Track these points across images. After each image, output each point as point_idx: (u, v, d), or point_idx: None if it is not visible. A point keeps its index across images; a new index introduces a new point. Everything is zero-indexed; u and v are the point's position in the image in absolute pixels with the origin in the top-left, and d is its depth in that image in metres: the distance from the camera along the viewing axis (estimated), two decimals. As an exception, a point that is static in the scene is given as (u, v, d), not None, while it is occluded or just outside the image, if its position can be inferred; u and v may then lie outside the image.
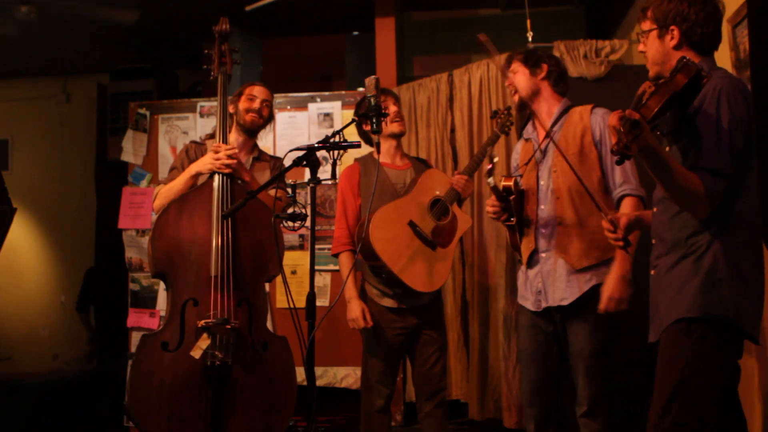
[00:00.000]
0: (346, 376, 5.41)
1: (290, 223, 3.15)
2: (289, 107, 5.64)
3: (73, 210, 8.15)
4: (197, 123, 5.75)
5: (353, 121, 3.39)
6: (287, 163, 3.37)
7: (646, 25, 2.89)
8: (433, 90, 5.53)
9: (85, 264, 7.69)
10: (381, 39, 6.05)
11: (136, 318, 5.61)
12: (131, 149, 5.79)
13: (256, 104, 4.05)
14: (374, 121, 3.12)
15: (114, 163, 7.31)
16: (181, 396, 3.43)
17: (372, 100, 3.09)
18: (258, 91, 4.08)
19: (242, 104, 4.05)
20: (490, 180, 3.53)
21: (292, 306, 3.02)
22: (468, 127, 5.34)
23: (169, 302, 3.63)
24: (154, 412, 3.42)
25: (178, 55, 7.53)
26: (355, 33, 6.63)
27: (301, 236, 5.43)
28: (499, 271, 5.11)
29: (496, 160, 3.64)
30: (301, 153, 3.11)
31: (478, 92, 5.29)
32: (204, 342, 3.44)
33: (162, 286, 5.54)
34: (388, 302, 3.99)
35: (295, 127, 5.68)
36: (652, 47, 2.87)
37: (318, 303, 5.39)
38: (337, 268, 5.20)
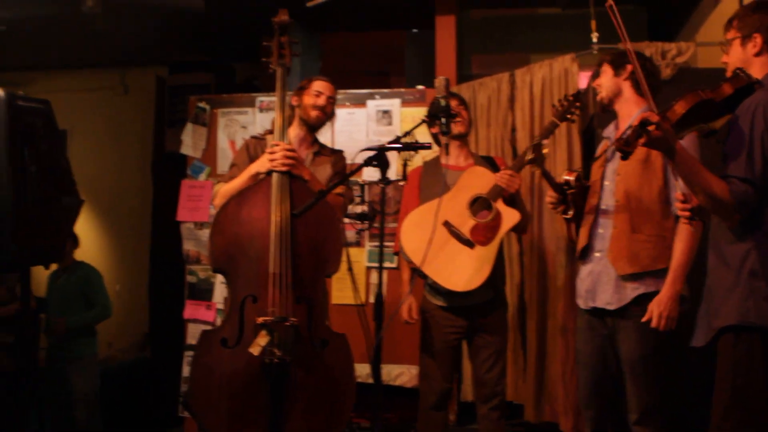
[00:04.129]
0: (400, 374, 5.40)
1: (356, 223, 3.14)
2: (348, 104, 5.63)
3: (130, 201, 8.23)
4: (256, 117, 5.77)
5: (423, 121, 3.37)
6: (351, 160, 3.37)
7: (731, 34, 2.94)
8: (494, 89, 5.48)
9: (141, 254, 7.78)
10: (441, 37, 6.00)
11: (192, 310, 5.65)
12: (191, 142, 5.83)
13: (322, 101, 4.01)
14: (443, 122, 3.10)
15: (171, 156, 7.38)
16: (240, 392, 3.44)
17: (441, 101, 3.07)
18: (324, 87, 4.04)
19: (307, 99, 4.01)
20: (535, 167, 3.53)
21: (361, 302, 3.01)
22: (529, 127, 5.29)
23: (229, 298, 3.65)
24: (213, 407, 3.44)
25: (236, 49, 7.57)
26: (415, 30, 6.61)
27: (358, 232, 5.43)
28: (558, 273, 5.06)
29: (545, 151, 3.63)
30: (371, 153, 3.09)
31: (540, 92, 5.23)
32: (263, 339, 3.44)
33: (219, 279, 5.60)
34: (438, 301, 4.02)
35: (353, 123, 5.67)
36: (734, 54, 2.90)
37: (372, 300, 5.45)
38: (392, 265, 5.23)
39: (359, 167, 3.17)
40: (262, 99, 5.81)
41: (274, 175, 3.67)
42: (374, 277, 5.48)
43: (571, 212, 3.70)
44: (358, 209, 3.73)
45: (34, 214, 3.42)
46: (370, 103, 5.66)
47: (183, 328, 5.73)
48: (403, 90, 5.76)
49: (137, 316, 7.82)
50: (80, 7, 5.37)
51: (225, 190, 3.83)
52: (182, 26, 6.91)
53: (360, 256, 5.47)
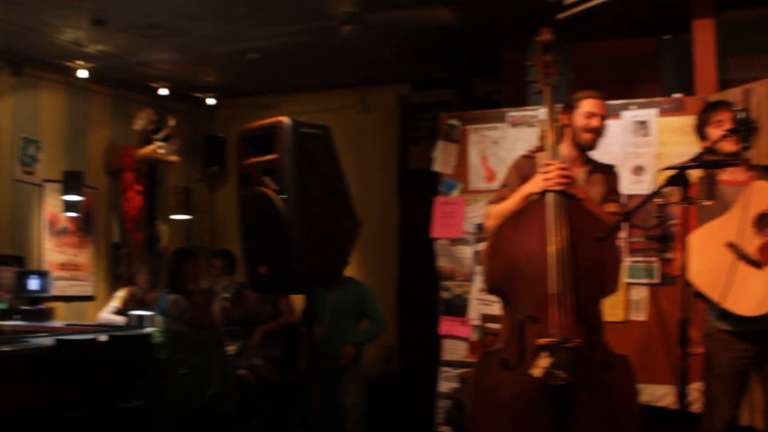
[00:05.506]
0: (664, 395, 5.17)
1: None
2: (602, 115, 5.47)
3: (374, 217, 8.40)
4: (507, 133, 5.73)
5: (726, 135, 3.20)
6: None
7: None
8: (762, 95, 5.15)
9: (388, 269, 7.93)
10: (700, 41, 5.72)
11: (448, 326, 5.68)
12: (442, 159, 5.88)
13: (595, 122, 3.88)
14: (743, 136, 2.93)
15: (416, 173, 7.50)
16: (523, 415, 3.41)
17: (743, 114, 2.90)
18: (596, 106, 3.89)
19: (578, 120, 3.88)
20: None
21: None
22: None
23: (507, 319, 3.63)
24: (496, 429, 3.42)
25: (476, 64, 7.58)
26: (668, 36, 6.35)
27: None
28: None
29: None
30: (674, 172, 2.97)
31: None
32: (544, 361, 3.39)
33: (474, 295, 5.61)
34: (725, 325, 3.81)
35: (607, 135, 5.48)
36: None
37: (633, 317, 5.27)
38: (654, 281, 5.04)
39: (661, 187, 3.05)
40: (513, 114, 5.77)
41: (549, 195, 3.61)
42: (634, 293, 5.29)
43: None
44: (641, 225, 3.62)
45: (317, 237, 3.54)
46: (624, 114, 5.48)
47: (436, 344, 5.77)
48: (659, 99, 5.53)
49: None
50: (337, 33, 5.56)
51: (498, 211, 3.81)
52: (426, 44, 7.01)
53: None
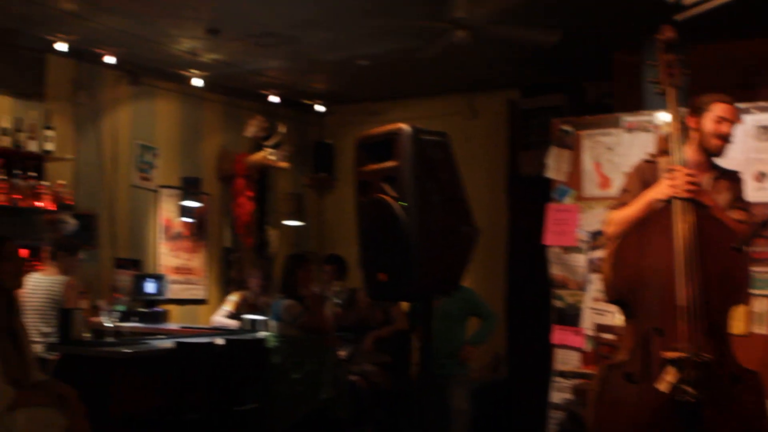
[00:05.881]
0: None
1: None
2: (723, 120, 5.30)
3: (483, 223, 8.27)
4: (622, 139, 5.60)
5: None
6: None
7: None
8: None
9: (496, 276, 7.86)
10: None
11: (561, 335, 5.59)
12: (555, 165, 5.78)
13: (725, 128, 3.72)
14: None
15: (526, 179, 7.42)
16: (647, 430, 3.31)
17: None
18: (727, 112, 3.74)
19: (707, 125, 3.73)
20: None
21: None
22: None
23: (630, 331, 3.53)
24: (620, 443, 3.34)
25: (586, 68, 7.46)
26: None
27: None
28: None
29: None
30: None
31: None
32: (672, 375, 3.28)
33: (587, 304, 5.50)
34: None
35: (729, 140, 5.33)
36: None
37: (756, 330, 5.07)
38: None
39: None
40: (629, 119, 5.63)
41: (676, 203, 3.50)
42: (757, 305, 5.10)
43: None
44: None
45: (437, 244, 3.52)
46: (747, 118, 5.28)
47: (546, 352, 5.68)
48: (783, 102, 5.33)
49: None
50: (450, 39, 5.54)
51: (620, 217, 3.71)
52: (535, 48, 6.93)
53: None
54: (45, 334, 5.67)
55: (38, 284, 5.82)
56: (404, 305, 6.50)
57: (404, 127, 3.43)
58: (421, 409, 3.68)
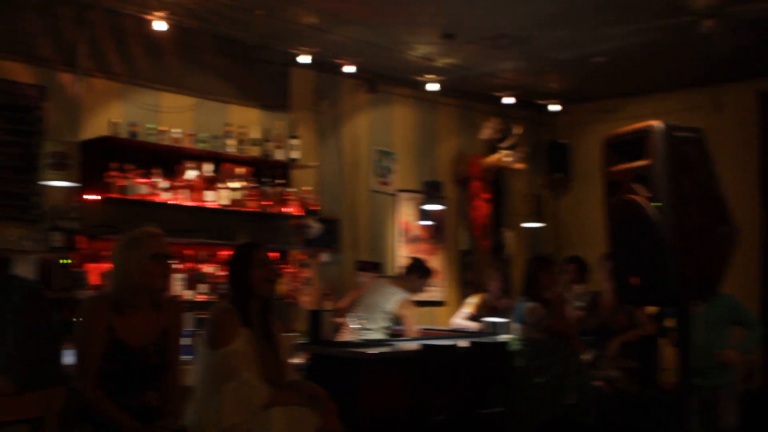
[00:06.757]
0: None
1: None
2: None
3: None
4: None
5: None
6: None
7: None
8: None
9: (749, 281, 7.39)
10: None
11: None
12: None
13: None
14: None
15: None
16: None
17: None
18: None
19: None
20: None
21: None
22: None
23: None
24: None
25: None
26: None
27: None
28: None
29: None
30: None
31: None
32: None
33: None
34: None
35: None
36: None
37: None
38: None
39: None
40: None
41: None
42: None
43: None
44: None
45: (693, 246, 3.36)
46: None
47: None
48: None
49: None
50: (696, 28, 5.27)
51: None
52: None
53: None
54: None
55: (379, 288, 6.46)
56: (650, 309, 6.23)
57: (656, 123, 3.33)
58: (684, 422, 3.48)
